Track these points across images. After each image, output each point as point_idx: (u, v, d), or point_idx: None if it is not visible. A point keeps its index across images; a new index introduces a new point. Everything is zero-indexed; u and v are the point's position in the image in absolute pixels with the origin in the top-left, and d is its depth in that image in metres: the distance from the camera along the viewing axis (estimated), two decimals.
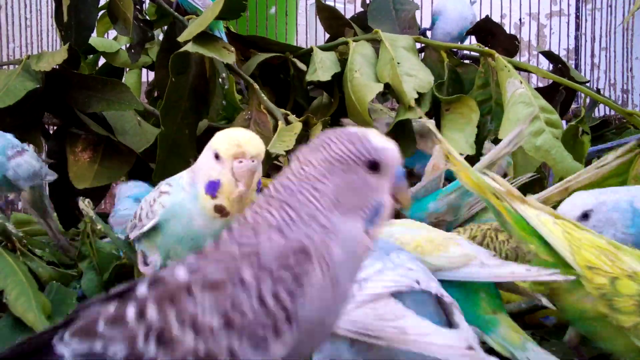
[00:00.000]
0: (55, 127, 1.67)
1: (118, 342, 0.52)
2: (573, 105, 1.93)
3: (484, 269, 0.79)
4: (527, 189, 1.22)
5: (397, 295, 0.71)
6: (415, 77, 1.32)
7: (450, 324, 0.71)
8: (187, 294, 0.52)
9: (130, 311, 0.53)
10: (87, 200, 1.11)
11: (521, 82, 1.24)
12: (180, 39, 1.33)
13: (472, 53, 1.88)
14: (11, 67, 1.58)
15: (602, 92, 1.99)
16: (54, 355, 0.54)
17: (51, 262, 1.19)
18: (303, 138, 1.25)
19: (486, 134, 1.37)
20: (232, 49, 1.35)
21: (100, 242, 1.16)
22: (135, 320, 0.52)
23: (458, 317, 0.71)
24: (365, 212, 0.57)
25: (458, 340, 0.66)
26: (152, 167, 1.52)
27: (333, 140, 0.58)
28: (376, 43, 1.46)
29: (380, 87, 1.33)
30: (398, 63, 1.33)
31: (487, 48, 1.39)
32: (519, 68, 1.34)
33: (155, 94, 1.76)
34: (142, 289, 0.54)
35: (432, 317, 0.69)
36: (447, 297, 0.72)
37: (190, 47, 1.29)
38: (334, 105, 1.49)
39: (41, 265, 1.11)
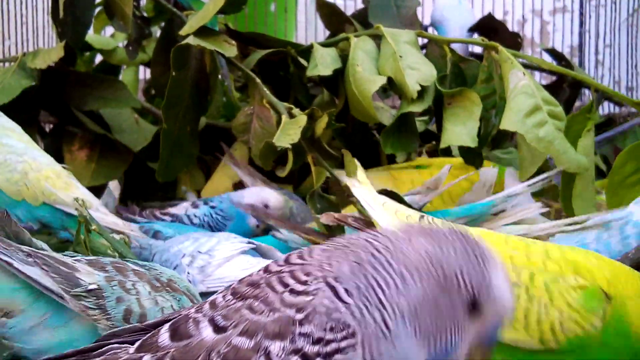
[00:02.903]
0: (51, 125, 1.66)
1: None
2: (577, 103, 1.91)
3: None
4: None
5: (245, 252, 0.99)
6: (418, 70, 1.30)
7: None
8: (207, 358, 0.47)
9: None
10: (81, 199, 1.09)
11: (524, 74, 1.22)
12: (182, 32, 1.32)
13: (475, 51, 1.87)
14: (7, 64, 1.56)
15: None
16: None
17: None
18: (308, 131, 1.23)
19: (490, 128, 1.35)
20: (233, 42, 1.33)
21: (95, 242, 1.15)
22: None
23: (279, 255, 0.98)
24: (436, 344, 0.47)
25: None
26: (149, 166, 1.50)
27: (456, 246, 0.48)
28: (378, 39, 1.44)
29: (383, 80, 1.31)
30: (400, 57, 1.32)
31: (490, 41, 1.38)
32: (524, 65, 1.33)
33: (152, 92, 1.74)
34: (164, 339, 0.51)
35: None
36: (275, 250, 1.02)
37: (191, 40, 1.28)
38: (339, 104, 1.48)
39: None
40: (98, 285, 0.73)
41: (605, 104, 1.98)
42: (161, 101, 1.38)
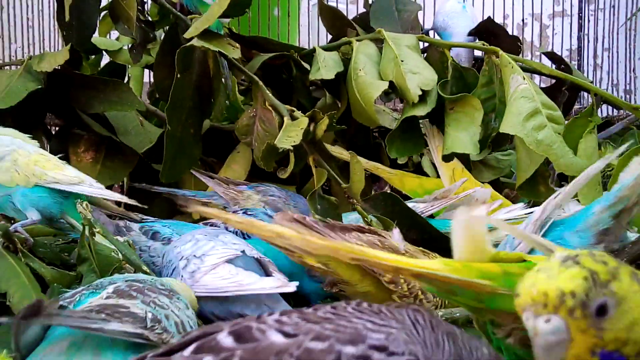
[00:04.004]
0: (57, 128, 1.67)
1: None
2: (576, 106, 1.92)
3: None
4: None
5: (231, 261, 1.00)
6: (419, 75, 1.31)
7: (268, 275, 1.02)
8: (279, 358, 0.48)
9: None
10: (85, 202, 1.10)
11: (524, 78, 1.24)
12: (187, 34, 1.33)
13: (475, 55, 1.89)
14: (13, 67, 1.58)
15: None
16: None
17: (51, 263, 1.19)
18: (309, 133, 1.25)
19: (490, 131, 1.37)
20: (237, 45, 1.35)
21: (100, 245, 1.16)
22: None
23: (273, 269, 1.02)
24: None
25: (274, 281, 0.98)
26: (154, 168, 1.52)
27: None
28: (379, 42, 1.46)
29: (385, 85, 1.32)
30: (402, 61, 1.33)
31: (490, 46, 1.39)
32: (524, 69, 1.34)
33: (157, 95, 1.76)
34: (226, 341, 0.50)
35: (256, 272, 1.00)
36: (264, 258, 1.04)
37: (196, 42, 1.29)
38: (341, 107, 1.49)
39: (43, 266, 1.10)
40: (148, 311, 0.73)
41: (604, 106, 1.99)
42: (165, 104, 1.39)
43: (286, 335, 0.50)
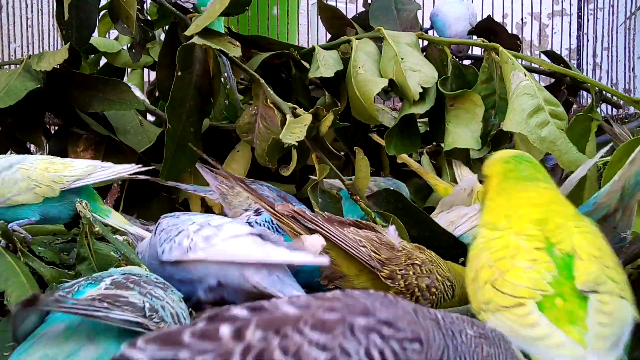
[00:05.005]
0: (56, 127, 1.67)
1: (209, 355, 0.50)
2: (574, 106, 1.92)
3: None
4: None
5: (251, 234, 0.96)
6: (420, 72, 1.31)
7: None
8: (294, 326, 0.50)
9: (225, 329, 0.51)
10: (85, 201, 1.10)
11: (525, 75, 1.23)
12: (188, 32, 1.33)
13: (473, 53, 1.89)
14: (12, 67, 1.58)
15: (604, 92, 1.99)
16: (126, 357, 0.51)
17: (50, 262, 1.19)
18: (313, 130, 1.24)
19: (490, 128, 1.36)
20: (237, 43, 1.35)
21: (98, 244, 1.16)
22: (231, 339, 0.50)
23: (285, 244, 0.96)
24: None
25: (305, 255, 0.91)
26: (154, 167, 1.52)
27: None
28: (379, 41, 1.46)
29: (385, 82, 1.32)
30: (402, 59, 1.33)
31: (490, 43, 1.39)
32: (524, 66, 1.34)
33: (156, 94, 1.76)
34: (240, 312, 0.53)
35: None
36: (274, 235, 0.98)
37: (197, 40, 1.29)
38: (341, 106, 1.49)
39: (42, 266, 1.10)
40: (145, 301, 0.73)
41: (603, 106, 1.99)
42: (165, 104, 1.39)
43: (299, 307, 0.53)
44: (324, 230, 0.97)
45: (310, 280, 1.04)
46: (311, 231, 0.98)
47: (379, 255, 0.97)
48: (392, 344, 0.51)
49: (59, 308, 0.66)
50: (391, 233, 1.02)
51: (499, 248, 0.78)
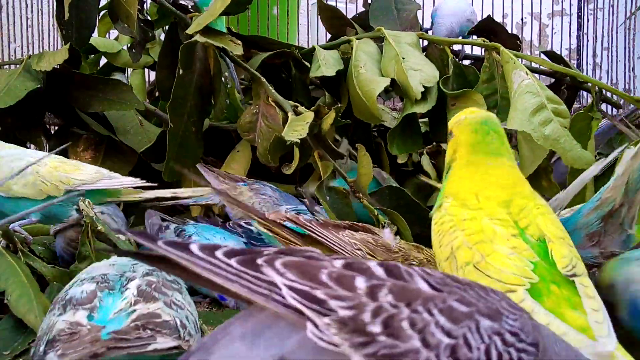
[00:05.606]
0: (56, 127, 1.67)
1: (342, 302, 0.50)
2: (575, 105, 1.92)
3: None
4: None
5: None
6: (421, 72, 1.31)
7: None
8: (424, 304, 0.51)
9: (361, 282, 0.51)
10: (87, 200, 1.10)
11: (527, 74, 1.23)
12: (189, 30, 1.33)
13: (473, 53, 1.89)
14: (12, 66, 1.57)
15: (604, 92, 1.99)
16: (262, 273, 0.51)
17: (51, 262, 1.19)
18: (315, 128, 1.24)
19: None
20: (239, 41, 1.35)
21: (100, 243, 1.16)
22: (365, 294, 0.50)
23: None
24: None
25: None
26: (154, 167, 1.52)
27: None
28: (379, 41, 1.46)
29: (387, 82, 1.32)
30: (403, 58, 1.33)
31: (491, 42, 1.39)
32: (528, 69, 1.34)
33: (157, 94, 1.76)
34: (376, 269, 0.53)
35: None
36: None
37: (199, 38, 1.29)
38: (342, 105, 1.49)
39: (43, 265, 1.10)
40: (175, 317, 0.73)
41: (604, 106, 1.99)
42: (165, 103, 1.39)
43: (432, 287, 0.53)
44: (318, 234, 0.97)
45: None
46: (304, 238, 0.98)
47: (374, 257, 0.98)
48: (511, 352, 0.51)
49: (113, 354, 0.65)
50: (387, 235, 1.02)
51: (475, 231, 0.80)
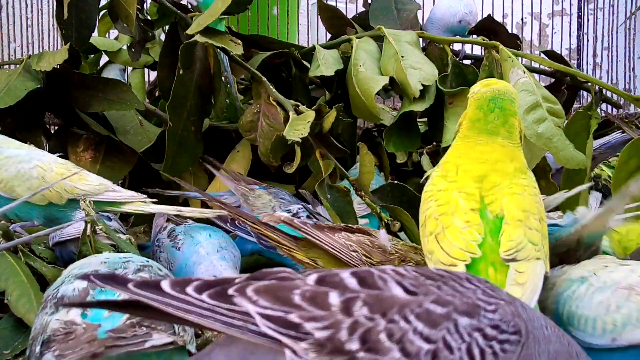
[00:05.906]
0: (56, 127, 1.67)
1: (319, 322, 0.50)
2: (575, 105, 1.92)
3: None
4: None
5: None
6: (420, 70, 1.31)
7: None
8: (400, 312, 0.51)
9: (334, 298, 0.51)
10: (88, 200, 1.10)
11: (524, 72, 1.24)
12: (190, 30, 1.33)
13: (473, 54, 1.89)
14: (12, 66, 1.57)
15: (604, 92, 1.99)
16: (234, 304, 0.51)
17: (52, 262, 1.18)
18: (316, 127, 1.24)
19: None
20: (239, 41, 1.35)
21: (101, 242, 1.16)
22: (340, 310, 0.50)
23: None
24: None
25: None
26: (154, 167, 1.52)
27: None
28: (379, 39, 1.46)
29: (386, 80, 1.32)
30: (402, 57, 1.33)
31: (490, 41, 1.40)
32: (528, 68, 1.35)
33: (157, 94, 1.76)
34: (350, 281, 0.53)
35: None
36: None
37: (199, 38, 1.29)
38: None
39: (43, 265, 1.10)
40: None
41: (603, 105, 1.99)
42: (165, 103, 1.39)
43: (407, 291, 0.53)
44: (313, 237, 0.97)
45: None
46: (298, 240, 0.98)
47: (370, 259, 0.98)
48: (493, 345, 0.52)
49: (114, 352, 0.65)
50: (382, 237, 1.02)
51: (443, 202, 0.83)
